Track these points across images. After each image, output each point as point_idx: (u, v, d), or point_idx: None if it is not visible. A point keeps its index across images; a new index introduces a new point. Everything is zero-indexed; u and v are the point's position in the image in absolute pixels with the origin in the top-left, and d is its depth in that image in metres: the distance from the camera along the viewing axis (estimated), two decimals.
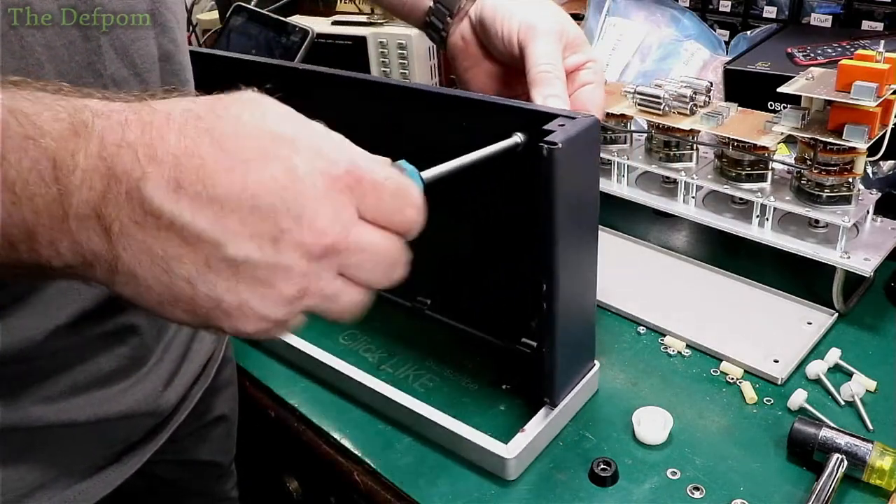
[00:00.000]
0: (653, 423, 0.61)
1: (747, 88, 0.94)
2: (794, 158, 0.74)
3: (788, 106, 0.73)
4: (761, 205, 0.74)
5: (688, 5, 1.17)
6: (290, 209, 0.32)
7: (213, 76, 0.59)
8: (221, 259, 0.32)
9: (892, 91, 0.66)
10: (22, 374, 0.48)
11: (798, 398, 0.62)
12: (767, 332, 0.71)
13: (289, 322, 0.36)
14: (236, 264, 0.33)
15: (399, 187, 0.37)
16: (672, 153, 0.82)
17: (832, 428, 0.57)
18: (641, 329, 0.74)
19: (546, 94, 0.57)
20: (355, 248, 0.35)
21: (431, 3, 0.69)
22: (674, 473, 0.58)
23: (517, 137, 0.53)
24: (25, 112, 0.31)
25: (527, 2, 0.62)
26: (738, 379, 0.67)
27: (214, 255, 0.32)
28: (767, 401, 0.64)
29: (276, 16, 1.11)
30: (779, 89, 0.72)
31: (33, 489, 0.51)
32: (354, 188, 0.34)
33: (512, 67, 0.64)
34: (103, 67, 0.45)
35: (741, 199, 0.78)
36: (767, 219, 0.75)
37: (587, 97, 0.61)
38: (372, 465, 0.62)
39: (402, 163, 0.39)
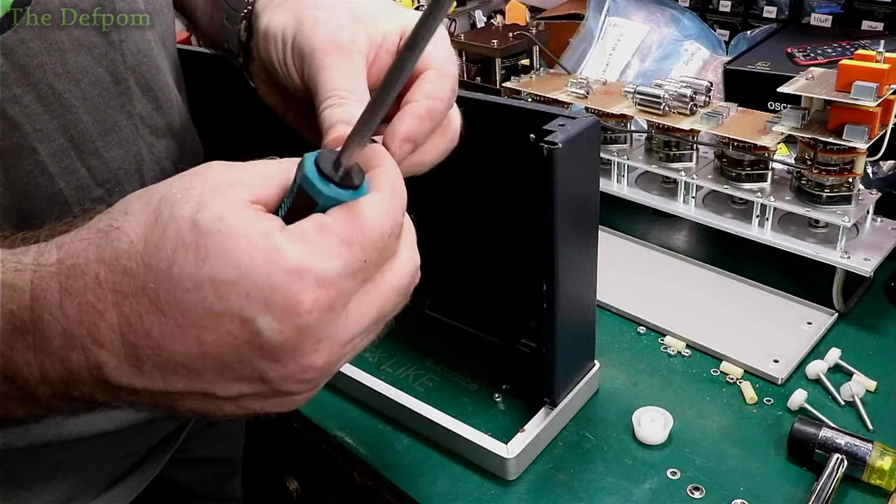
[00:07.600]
0: (653, 423, 0.61)
1: (747, 88, 0.94)
2: (794, 158, 0.74)
3: (788, 106, 0.73)
4: (761, 205, 0.74)
5: (688, 5, 1.17)
6: (264, 355, 0.30)
7: (214, 76, 0.59)
8: (217, 398, 0.31)
9: (892, 91, 0.66)
10: None
11: (798, 398, 0.62)
12: (767, 332, 0.71)
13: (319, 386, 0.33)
14: (235, 398, 0.32)
15: (400, 282, 0.33)
16: (672, 153, 0.82)
17: (832, 428, 0.57)
18: (641, 329, 0.74)
19: (333, 128, 0.37)
20: (353, 350, 0.33)
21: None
22: (674, 473, 0.58)
23: None
24: None
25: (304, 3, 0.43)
26: (738, 379, 0.67)
27: (209, 398, 0.31)
28: (767, 401, 0.64)
29: None
30: (779, 89, 0.72)
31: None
32: (335, 306, 0.30)
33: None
34: (117, 56, 0.46)
35: (741, 199, 0.78)
36: (767, 219, 0.75)
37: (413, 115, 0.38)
38: (372, 465, 0.62)
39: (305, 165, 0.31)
